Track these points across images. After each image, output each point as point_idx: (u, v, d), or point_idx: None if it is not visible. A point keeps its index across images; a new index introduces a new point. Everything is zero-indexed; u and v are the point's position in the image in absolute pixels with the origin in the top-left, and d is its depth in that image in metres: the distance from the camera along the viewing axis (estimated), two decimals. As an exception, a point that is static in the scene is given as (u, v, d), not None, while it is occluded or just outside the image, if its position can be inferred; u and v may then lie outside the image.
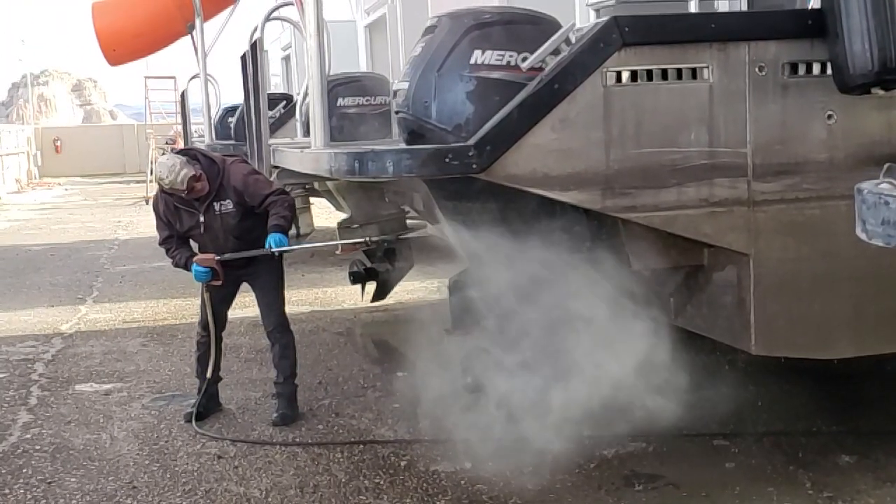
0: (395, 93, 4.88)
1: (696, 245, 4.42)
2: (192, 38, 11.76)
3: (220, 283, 5.97)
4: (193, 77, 12.38)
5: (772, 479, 4.76)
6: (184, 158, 5.78)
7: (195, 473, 5.30)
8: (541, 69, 4.23)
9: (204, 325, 6.25)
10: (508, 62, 4.30)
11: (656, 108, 4.20)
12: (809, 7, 4.54)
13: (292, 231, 7.68)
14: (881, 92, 4.09)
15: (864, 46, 3.95)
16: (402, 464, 5.28)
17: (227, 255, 5.90)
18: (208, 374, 6.22)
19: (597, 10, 4.52)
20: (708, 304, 4.60)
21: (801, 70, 4.30)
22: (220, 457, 5.53)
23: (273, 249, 5.77)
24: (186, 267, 6.00)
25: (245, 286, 6.28)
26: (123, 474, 5.33)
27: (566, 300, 4.74)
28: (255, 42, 7.14)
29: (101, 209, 22.85)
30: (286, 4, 7.92)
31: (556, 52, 4.27)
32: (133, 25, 13.32)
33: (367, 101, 7.46)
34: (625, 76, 4.16)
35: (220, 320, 6.29)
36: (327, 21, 4.91)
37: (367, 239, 7.51)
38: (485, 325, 5.00)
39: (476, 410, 5.50)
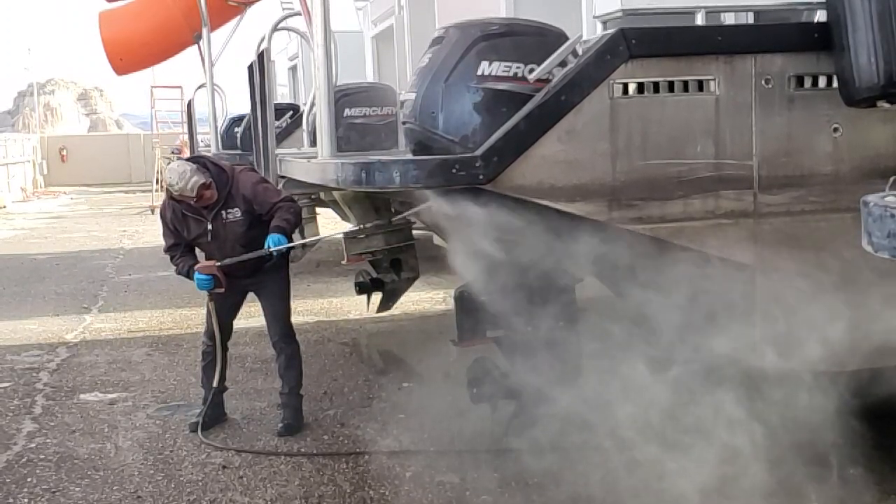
0: (402, 103, 4.90)
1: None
2: (199, 47, 11.82)
3: (222, 290, 5.98)
4: (200, 87, 12.40)
5: (776, 492, 4.75)
6: (194, 166, 5.79)
7: (200, 483, 5.30)
8: (548, 81, 4.24)
9: (209, 334, 6.26)
10: (515, 73, 4.31)
11: (663, 119, 4.22)
12: (815, 20, 4.55)
13: (297, 237, 7.69)
14: (887, 105, 4.09)
15: (870, 60, 3.96)
16: (408, 475, 5.27)
17: (227, 261, 5.91)
18: (214, 384, 6.23)
19: (604, 22, 4.53)
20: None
21: (807, 83, 4.32)
22: (224, 467, 5.54)
23: (271, 249, 5.77)
24: (189, 275, 6.01)
25: (251, 296, 6.30)
26: (128, 484, 5.34)
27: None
28: (262, 52, 7.15)
29: (106, 218, 22.88)
30: (293, 15, 7.94)
31: (562, 63, 4.28)
32: (140, 35, 13.38)
33: (373, 111, 7.48)
34: (631, 88, 4.18)
35: (226, 330, 6.30)
36: (334, 32, 4.91)
37: (362, 226, 7.52)
38: (490, 335, 5.02)
39: (481, 421, 5.52)
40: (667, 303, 4.31)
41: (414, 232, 7.99)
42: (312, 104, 6.60)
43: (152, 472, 5.51)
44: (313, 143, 6.37)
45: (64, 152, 37.68)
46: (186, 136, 20.94)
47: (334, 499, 5.03)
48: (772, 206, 4.31)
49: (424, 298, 10.11)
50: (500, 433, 5.40)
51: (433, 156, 4.30)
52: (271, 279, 6.13)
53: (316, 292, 11.11)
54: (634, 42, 4.14)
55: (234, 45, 12.97)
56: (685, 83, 4.23)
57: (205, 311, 6.31)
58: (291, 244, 5.97)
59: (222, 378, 6.31)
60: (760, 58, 4.27)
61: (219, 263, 5.91)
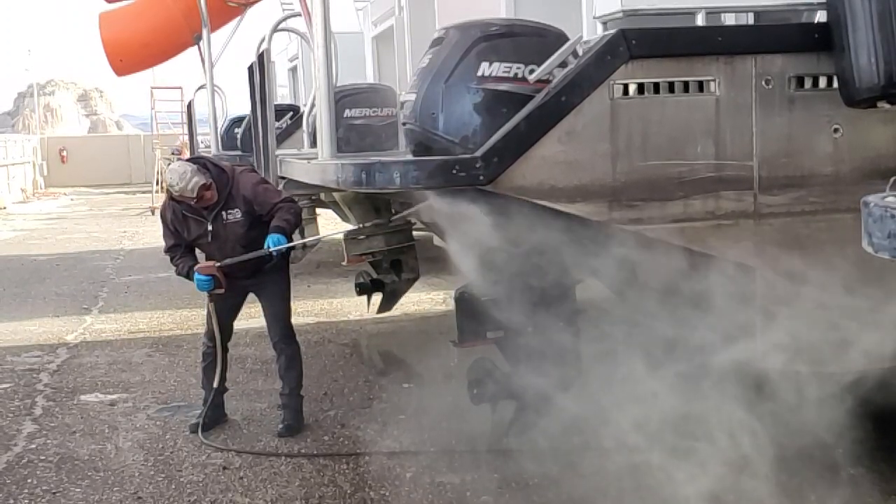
0: (402, 104, 4.90)
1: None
2: (199, 48, 11.81)
3: (222, 291, 5.97)
4: (200, 87, 12.40)
5: (776, 494, 4.75)
6: (195, 166, 5.79)
7: (200, 484, 5.30)
8: (548, 81, 4.24)
9: (210, 335, 6.25)
10: (516, 74, 4.32)
11: (663, 120, 4.22)
12: (816, 21, 4.55)
13: (297, 238, 7.68)
14: (887, 105, 4.10)
15: (870, 60, 3.97)
16: (408, 475, 5.27)
17: (227, 261, 5.91)
18: (214, 385, 6.23)
19: (604, 23, 4.53)
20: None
21: (808, 83, 4.32)
22: (225, 468, 5.53)
23: (271, 249, 5.77)
24: (189, 276, 6.01)
25: (251, 296, 6.30)
26: (128, 485, 5.34)
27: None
28: (263, 53, 7.15)
29: (106, 219, 22.87)
30: (294, 15, 7.94)
31: (563, 64, 4.28)
32: (140, 36, 13.36)
33: (374, 112, 7.48)
34: (632, 89, 4.18)
35: (226, 331, 6.30)
36: (334, 32, 4.91)
37: (362, 226, 7.52)
38: (491, 336, 5.02)
39: (481, 422, 5.52)
40: (666, 304, 4.32)
41: (414, 233, 7.99)
42: (312, 105, 6.59)
43: (153, 472, 5.51)
44: (313, 143, 6.37)
45: (64, 153, 37.66)
46: (186, 137, 20.96)
47: (335, 500, 5.03)
48: (772, 206, 4.32)
49: (425, 299, 10.11)
50: (501, 434, 5.39)
51: (433, 157, 4.30)
52: (271, 280, 6.12)
53: (316, 293, 11.11)
54: (635, 43, 4.15)
55: (234, 45, 13.00)
56: (685, 84, 4.24)
57: (205, 311, 6.31)
58: (291, 244, 5.97)
59: (223, 379, 6.30)
60: (761, 58, 4.28)
61: (219, 264, 5.90)
